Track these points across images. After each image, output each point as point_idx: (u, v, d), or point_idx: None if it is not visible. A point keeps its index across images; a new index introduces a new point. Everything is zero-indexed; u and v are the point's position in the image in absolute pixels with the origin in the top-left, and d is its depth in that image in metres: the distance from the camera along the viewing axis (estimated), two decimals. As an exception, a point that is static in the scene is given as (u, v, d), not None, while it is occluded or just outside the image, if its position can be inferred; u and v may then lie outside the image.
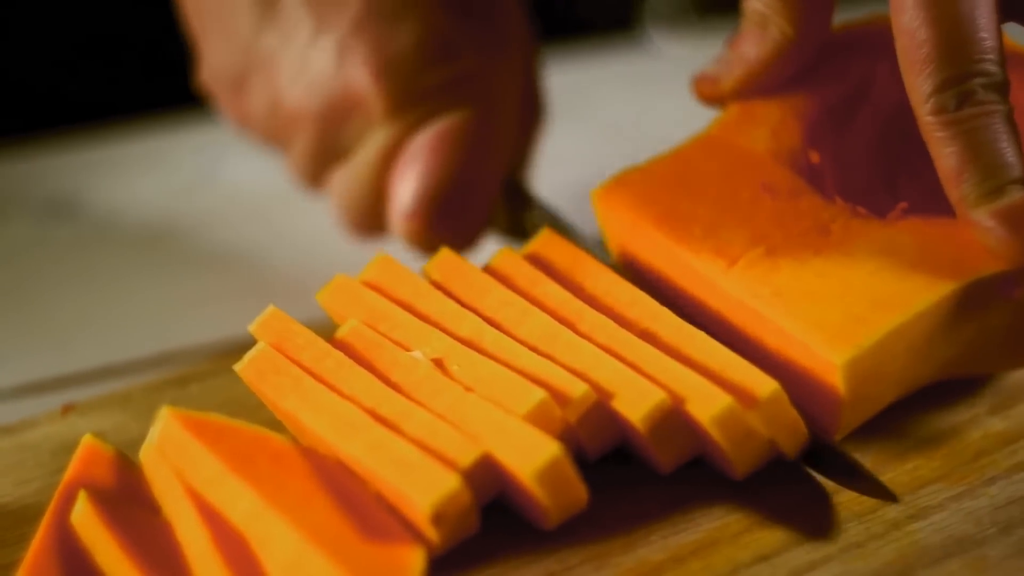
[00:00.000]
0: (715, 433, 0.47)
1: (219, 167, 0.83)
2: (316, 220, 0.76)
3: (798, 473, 0.50)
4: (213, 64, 0.66)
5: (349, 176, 0.63)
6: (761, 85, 0.56)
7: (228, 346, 0.60)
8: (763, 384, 0.47)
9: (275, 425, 0.51)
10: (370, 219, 0.64)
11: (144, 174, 0.83)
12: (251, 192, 0.80)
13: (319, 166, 0.64)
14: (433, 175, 0.60)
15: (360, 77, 0.60)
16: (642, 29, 1.06)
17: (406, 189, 0.60)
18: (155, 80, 0.90)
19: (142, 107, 0.87)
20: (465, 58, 0.61)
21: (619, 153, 0.58)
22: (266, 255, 0.74)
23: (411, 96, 0.60)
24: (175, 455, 0.46)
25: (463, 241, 0.61)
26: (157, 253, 0.75)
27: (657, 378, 0.48)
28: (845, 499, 0.49)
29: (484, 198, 0.61)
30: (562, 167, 0.66)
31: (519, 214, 0.62)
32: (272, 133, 0.65)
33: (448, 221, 0.60)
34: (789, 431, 0.48)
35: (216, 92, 0.67)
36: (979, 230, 0.48)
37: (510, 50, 0.64)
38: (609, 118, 0.85)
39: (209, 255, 0.74)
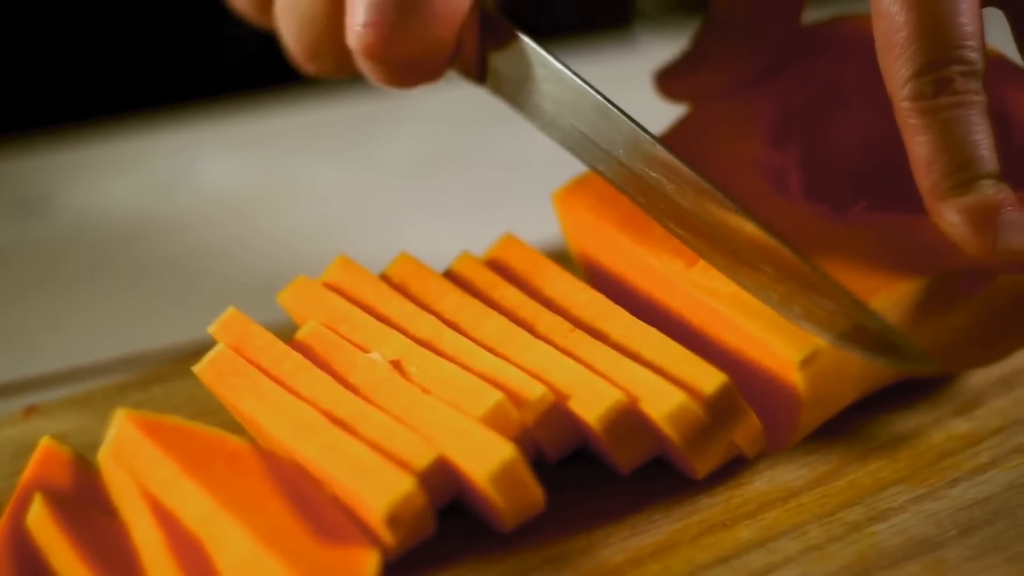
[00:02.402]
0: (669, 430, 0.46)
1: (192, 169, 0.83)
2: (288, 222, 0.76)
3: (761, 472, 0.50)
4: None
5: None
6: (726, 84, 0.55)
7: (194, 348, 0.60)
8: (712, 377, 0.47)
9: (237, 427, 0.51)
10: (323, 42, 0.56)
11: (117, 176, 0.82)
12: (223, 194, 0.80)
13: None
14: None
15: None
16: (631, 29, 1.06)
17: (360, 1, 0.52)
18: (128, 81, 0.90)
19: (115, 108, 0.87)
20: None
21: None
22: (238, 257, 0.74)
23: None
24: (130, 457, 0.46)
25: (427, 67, 0.54)
26: (129, 255, 0.75)
27: (613, 378, 0.48)
28: (807, 500, 0.49)
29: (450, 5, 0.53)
30: (542, 167, 0.65)
31: (490, 49, 0.55)
32: None
33: (410, 28, 0.52)
34: (741, 424, 0.48)
35: None
36: (944, 223, 0.47)
37: None
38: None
39: (181, 257, 0.74)
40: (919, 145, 0.48)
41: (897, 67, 0.48)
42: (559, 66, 0.52)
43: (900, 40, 0.48)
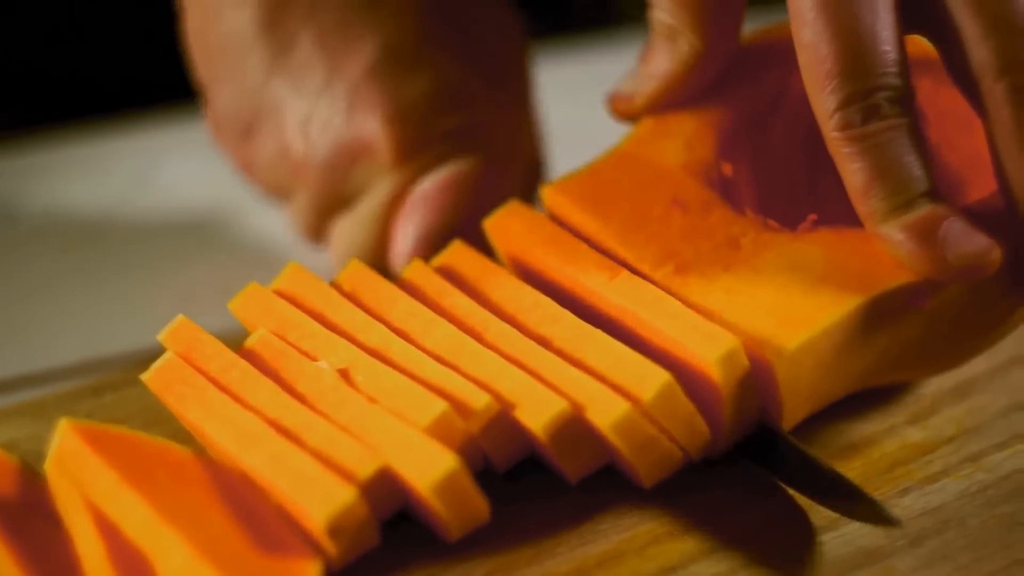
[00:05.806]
0: (615, 440, 0.46)
1: (155, 173, 0.82)
2: (251, 227, 0.76)
3: (712, 482, 0.50)
4: (220, 111, 0.65)
5: (352, 225, 0.62)
6: (674, 98, 0.55)
7: (150, 354, 0.60)
8: (656, 376, 0.47)
9: (188, 435, 0.51)
10: (367, 260, 0.62)
11: (78, 180, 0.82)
12: (186, 199, 0.80)
13: (322, 216, 0.63)
14: (434, 220, 0.59)
15: (371, 123, 0.60)
16: (613, 29, 1.06)
17: (406, 234, 0.59)
18: (90, 84, 0.89)
19: (77, 112, 0.87)
20: (476, 108, 0.61)
21: (573, 160, 0.58)
22: (198, 262, 0.73)
23: (420, 143, 0.60)
24: (73, 467, 0.46)
25: None
26: (89, 259, 0.75)
27: (559, 386, 0.47)
28: (758, 512, 0.49)
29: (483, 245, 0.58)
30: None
31: None
32: (277, 182, 0.64)
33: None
34: (685, 425, 0.47)
35: (223, 139, 0.66)
36: (889, 244, 0.48)
37: (519, 106, 0.63)
38: (564, 121, 0.85)
39: (142, 261, 0.74)
40: (854, 173, 0.48)
41: (823, 98, 0.48)
42: None
43: (824, 72, 0.48)
